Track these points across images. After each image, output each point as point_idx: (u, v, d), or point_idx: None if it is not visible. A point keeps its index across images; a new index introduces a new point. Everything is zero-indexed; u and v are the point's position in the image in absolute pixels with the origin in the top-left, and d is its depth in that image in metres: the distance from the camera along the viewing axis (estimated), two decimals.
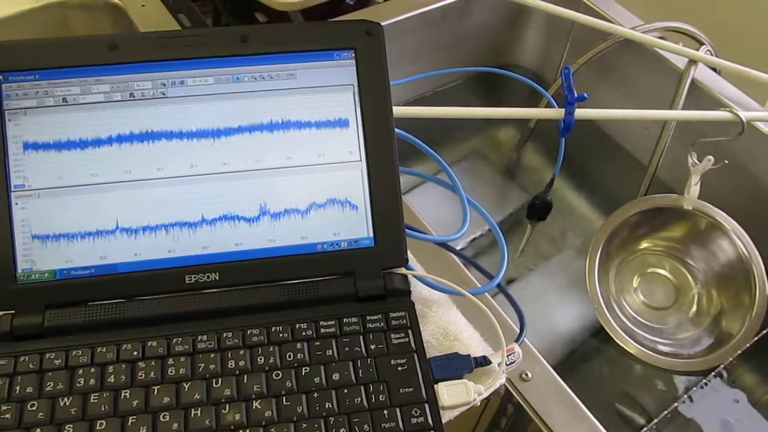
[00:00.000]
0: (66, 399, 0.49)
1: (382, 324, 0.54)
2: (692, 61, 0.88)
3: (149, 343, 0.52)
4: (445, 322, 0.58)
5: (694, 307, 0.87)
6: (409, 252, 0.57)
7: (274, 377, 0.51)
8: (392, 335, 0.54)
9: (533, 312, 0.94)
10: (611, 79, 1.00)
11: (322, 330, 0.54)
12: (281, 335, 0.53)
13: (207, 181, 0.55)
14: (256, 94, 0.55)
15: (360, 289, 0.55)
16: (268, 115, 0.55)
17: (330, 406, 0.50)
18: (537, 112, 0.82)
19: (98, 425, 0.48)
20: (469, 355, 0.54)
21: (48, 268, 0.53)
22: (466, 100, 1.14)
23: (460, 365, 0.54)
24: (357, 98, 0.56)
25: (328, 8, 0.92)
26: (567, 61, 1.06)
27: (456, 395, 0.52)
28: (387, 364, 0.52)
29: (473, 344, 0.57)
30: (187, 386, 0.50)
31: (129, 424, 0.48)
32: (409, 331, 0.54)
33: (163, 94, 0.54)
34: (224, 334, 0.53)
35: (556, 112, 0.76)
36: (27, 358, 0.51)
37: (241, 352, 0.52)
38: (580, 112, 0.75)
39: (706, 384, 0.76)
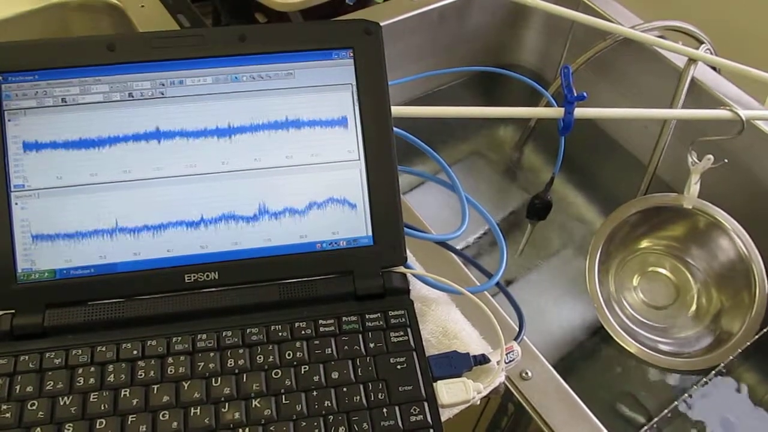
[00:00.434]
0: (66, 398, 0.49)
1: (381, 323, 0.54)
2: (692, 60, 0.88)
3: (149, 343, 0.52)
4: (444, 321, 0.58)
5: (694, 306, 0.87)
6: (408, 251, 0.57)
7: (274, 376, 0.51)
8: (391, 334, 0.54)
9: (533, 311, 0.94)
10: (611, 78, 1.00)
11: (321, 329, 0.54)
12: (280, 334, 0.53)
13: (206, 180, 0.55)
14: (254, 93, 0.55)
15: (359, 287, 0.55)
16: (267, 115, 0.55)
17: (329, 404, 0.50)
18: (536, 111, 0.82)
19: (98, 424, 0.48)
20: (468, 354, 0.54)
21: (48, 268, 0.53)
22: (466, 100, 1.14)
23: (459, 363, 0.54)
24: (355, 97, 0.56)
25: (327, 8, 0.92)
26: (567, 61, 1.06)
27: (455, 393, 0.52)
28: (386, 362, 0.52)
29: (472, 343, 0.57)
30: (186, 385, 0.50)
31: (129, 423, 0.48)
32: (408, 330, 0.54)
33: (162, 94, 0.54)
34: (223, 333, 0.53)
35: (556, 112, 0.76)
36: (27, 357, 0.51)
37: (241, 350, 0.52)
38: (580, 111, 0.75)
39: (706, 383, 0.76)
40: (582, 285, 0.84)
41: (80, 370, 0.51)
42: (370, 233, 0.56)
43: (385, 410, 0.50)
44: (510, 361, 0.55)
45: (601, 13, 0.96)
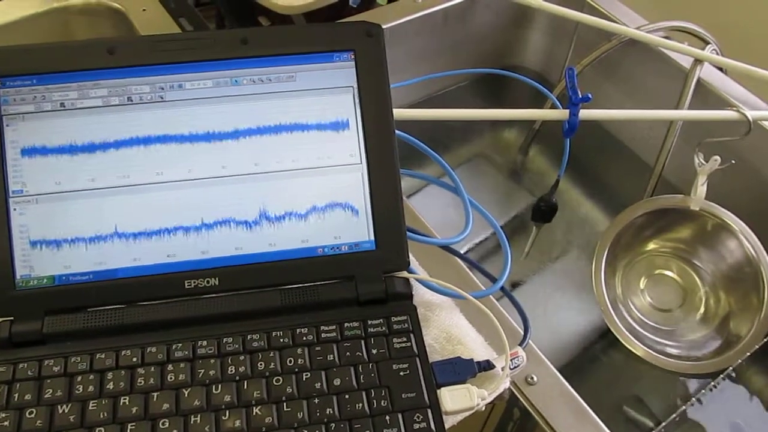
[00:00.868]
0: (65, 406, 0.49)
1: (383, 328, 0.53)
2: (698, 61, 0.87)
3: (148, 349, 0.52)
4: (448, 326, 0.57)
5: (702, 309, 0.86)
6: (411, 255, 0.57)
7: (275, 383, 0.50)
8: (394, 339, 0.53)
9: (539, 314, 0.93)
10: (616, 79, 1.00)
11: (323, 335, 0.53)
12: (281, 340, 0.52)
13: (206, 185, 0.54)
14: (255, 96, 0.55)
15: (361, 293, 0.55)
16: (268, 118, 0.55)
17: (331, 411, 0.49)
18: (541, 113, 0.82)
19: None
20: (472, 360, 0.53)
21: (47, 274, 0.53)
22: (470, 102, 1.13)
23: (463, 370, 0.53)
24: (357, 100, 0.56)
25: (331, 11, 0.92)
26: (571, 62, 1.06)
27: (459, 400, 0.51)
28: (389, 368, 0.52)
29: (477, 348, 0.56)
30: (186, 392, 0.50)
31: (128, 431, 0.48)
32: (411, 336, 0.53)
33: (162, 97, 0.54)
34: (224, 340, 0.52)
35: (561, 113, 0.75)
36: (26, 365, 0.51)
37: (241, 357, 0.51)
38: (585, 113, 0.74)
39: (715, 386, 0.75)
40: (588, 288, 0.83)
41: (79, 378, 0.50)
42: (372, 238, 0.56)
43: (387, 418, 0.49)
44: (515, 367, 0.54)
45: (606, 14, 0.96)
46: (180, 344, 0.52)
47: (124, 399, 0.49)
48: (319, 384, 0.51)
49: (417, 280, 0.58)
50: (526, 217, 1.00)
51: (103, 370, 0.51)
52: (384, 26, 0.91)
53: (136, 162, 0.53)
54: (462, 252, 0.96)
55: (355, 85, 0.56)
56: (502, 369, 0.54)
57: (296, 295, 0.55)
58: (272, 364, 0.51)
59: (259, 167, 0.55)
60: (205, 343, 0.52)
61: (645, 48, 0.92)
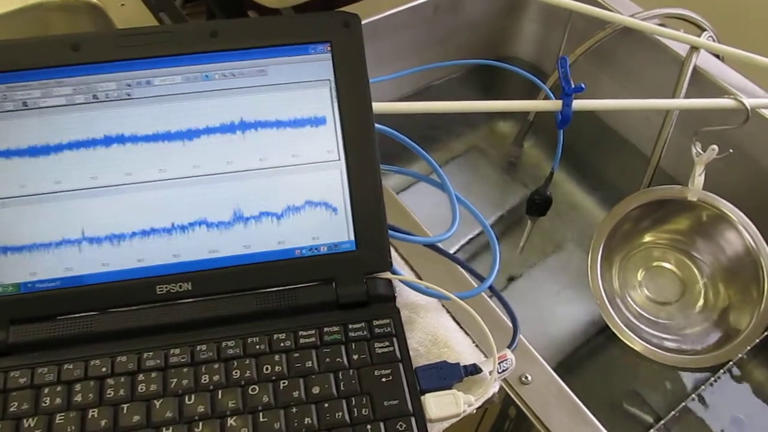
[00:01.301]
0: (31, 420, 0.47)
1: (365, 332, 0.51)
2: (694, 48, 0.86)
3: (118, 359, 0.49)
4: (434, 329, 0.55)
5: (701, 302, 0.84)
6: (398, 254, 0.54)
7: (251, 392, 0.48)
8: (376, 344, 0.51)
9: (535, 309, 0.92)
10: (611, 68, 0.98)
11: (302, 340, 0.51)
12: (258, 347, 0.50)
13: (177, 185, 0.52)
14: (227, 92, 0.52)
15: (341, 295, 0.53)
16: (241, 115, 0.52)
17: (310, 421, 0.47)
18: (533, 104, 0.80)
19: None
20: (458, 364, 0.51)
21: (11, 282, 0.50)
22: (463, 94, 1.12)
23: (449, 374, 0.51)
24: (334, 94, 0.53)
25: (321, 4, 0.89)
26: (565, 52, 1.04)
27: (444, 407, 0.49)
28: (370, 375, 0.49)
29: (464, 351, 0.54)
30: (158, 404, 0.47)
31: None
32: (394, 340, 0.51)
33: (129, 95, 0.51)
34: (198, 347, 0.50)
35: (553, 104, 0.73)
36: None
37: (216, 365, 0.49)
38: (578, 104, 0.73)
39: (715, 381, 0.74)
40: (585, 282, 0.81)
41: (46, 390, 0.48)
42: (352, 238, 0.53)
43: (369, 426, 0.47)
44: (503, 371, 0.52)
45: (599, 1, 0.94)
46: (151, 353, 0.50)
47: (93, 411, 0.47)
48: (297, 392, 0.48)
49: (401, 280, 0.55)
50: (522, 211, 0.98)
51: (71, 381, 0.48)
52: (374, 18, 0.91)
53: (103, 163, 0.51)
54: (454, 249, 0.95)
55: (332, 78, 0.53)
56: (490, 373, 0.51)
57: (273, 299, 0.52)
58: (248, 372, 0.49)
59: (233, 166, 0.52)
60: (177, 351, 0.50)
61: (640, 36, 0.91)
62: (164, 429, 0.46)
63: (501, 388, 0.55)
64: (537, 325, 0.90)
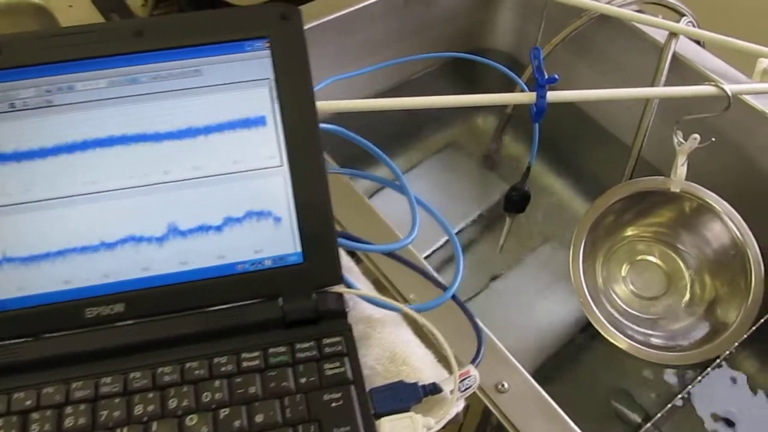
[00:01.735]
0: None
1: (314, 352, 0.47)
2: (673, 34, 0.85)
3: (44, 390, 0.45)
4: (392, 344, 0.51)
5: (687, 295, 0.83)
6: (360, 265, 0.50)
7: (188, 422, 0.44)
8: (326, 365, 0.47)
9: (517, 309, 0.91)
10: (589, 57, 0.97)
11: (245, 363, 0.47)
12: (197, 372, 0.46)
13: (106, 199, 0.48)
14: (157, 96, 0.48)
15: (288, 312, 0.49)
16: (173, 120, 0.48)
17: None
18: (505, 97, 0.77)
19: None
20: (416, 383, 0.47)
21: None
22: (442, 89, 1.09)
23: (407, 395, 0.47)
24: (275, 94, 0.49)
25: (297, 2, 0.86)
26: (542, 42, 1.01)
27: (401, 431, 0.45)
28: (319, 399, 0.45)
29: (425, 368, 0.50)
30: None
31: None
32: (345, 360, 0.47)
33: (49, 102, 0.47)
34: (131, 375, 0.46)
35: (527, 97, 0.71)
36: None
37: (150, 395, 0.45)
38: (553, 95, 0.71)
39: (705, 376, 0.74)
40: (568, 279, 0.79)
41: None
42: (299, 249, 0.49)
43: None
44: (466, 389, 0.48)
45: None
46: (80, 382, 0.46)
47: None
48: (238, 422, 0.44)
49: (352, 294, 0.51)
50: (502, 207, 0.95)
51: None
52: (345, 11, 0.87)
53: (21, 178, 0.47)
54: (426, 254, 0.91)
55: (272, 77, 0.49)
56: (451, 392, 0.47)
57: (214, 319, 0.48)
58: (185, 400, 0.45)
59: (167, 176, 0.48)
60: (109, 379, 0.46)
61: (617, 23, 0.90)
62: None
63: (476, 397, 0.52)
64: (519, 324, 0.88)
